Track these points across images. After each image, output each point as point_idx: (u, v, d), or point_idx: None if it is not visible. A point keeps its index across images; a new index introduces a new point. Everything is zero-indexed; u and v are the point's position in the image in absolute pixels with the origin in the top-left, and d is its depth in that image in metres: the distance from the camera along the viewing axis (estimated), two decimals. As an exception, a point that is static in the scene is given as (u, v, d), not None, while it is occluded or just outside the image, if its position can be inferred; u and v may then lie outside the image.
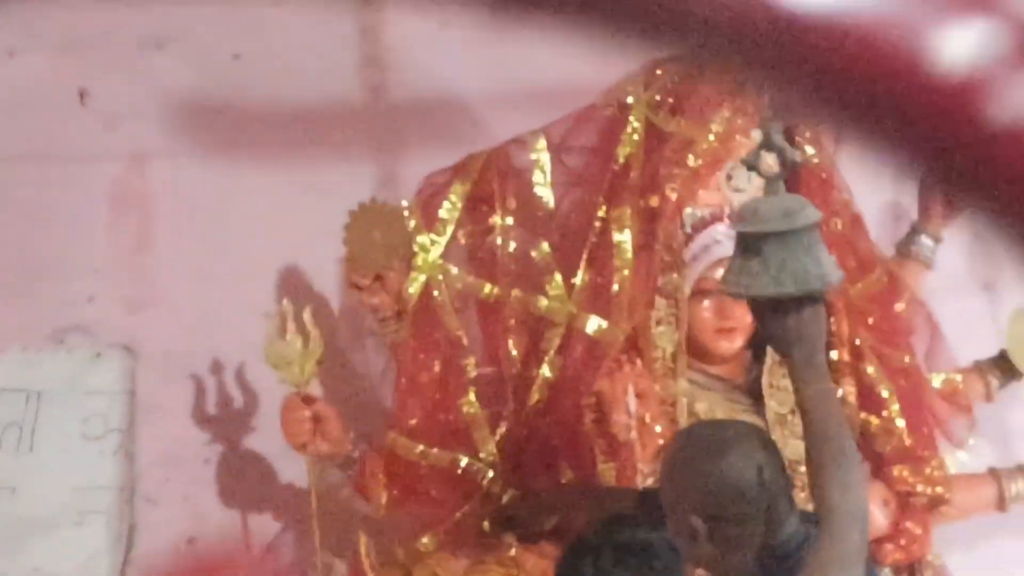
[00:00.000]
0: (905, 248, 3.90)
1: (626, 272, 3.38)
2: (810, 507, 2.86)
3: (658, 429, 3.27)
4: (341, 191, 3.81)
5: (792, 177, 3.01)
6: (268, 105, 3.92)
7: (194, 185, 3.93)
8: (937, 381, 3.70)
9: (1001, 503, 3.73)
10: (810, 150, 3.42)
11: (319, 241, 3.83)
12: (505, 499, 3.41)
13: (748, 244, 2.62)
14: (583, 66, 3.76)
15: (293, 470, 3.83)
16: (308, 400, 3.50)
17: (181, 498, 3.88)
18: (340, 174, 3.88)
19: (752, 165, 2.71)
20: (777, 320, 2.62)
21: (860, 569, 2.60)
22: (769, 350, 3.43)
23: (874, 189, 4.04)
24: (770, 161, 2.71)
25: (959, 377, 3.74)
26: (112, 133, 3.92)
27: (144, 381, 3.89)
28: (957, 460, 3.69)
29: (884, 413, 3.45)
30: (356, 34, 3.88)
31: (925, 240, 3.89)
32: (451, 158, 3.61)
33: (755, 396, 3.46)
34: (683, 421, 3.34)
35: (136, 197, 3.95)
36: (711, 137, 3.37)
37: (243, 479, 3.90)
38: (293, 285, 3.90)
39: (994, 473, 3.76)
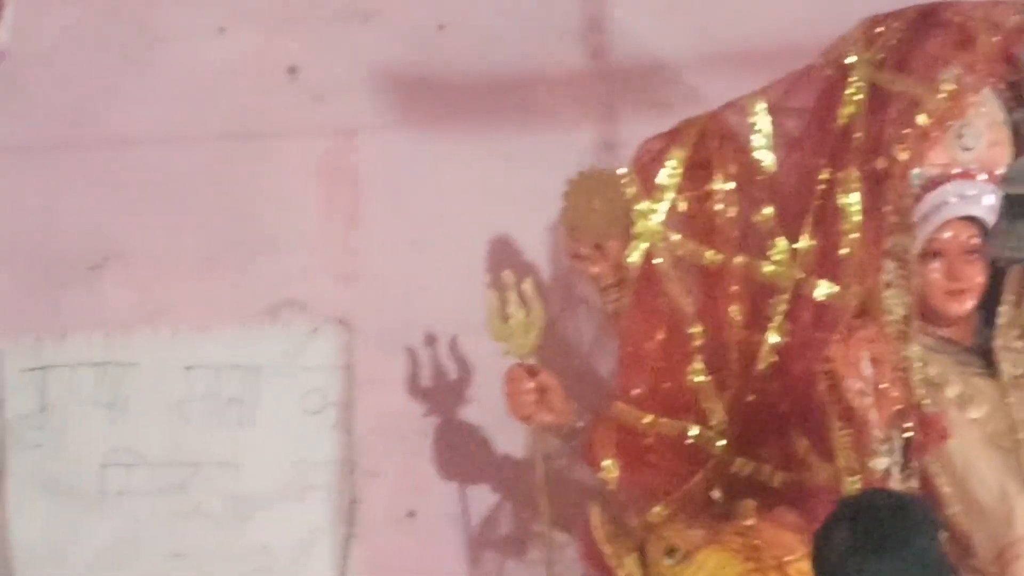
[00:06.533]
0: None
1: (854, 235, 3.31)
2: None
3: (893, 394, 3.20)
4: (551, 159, 3.79)
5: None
6: (474, 74, 3.90)
7: (403, 157, 3.93)
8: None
9: None
10: None
11: (528, 210, 3.82)
12: (736, 468, 3.38)
13: (1015, 206, 2.54)
14: (799, 26, 3.75)
15: (509, 441, 3.83)
16: (532, 371, 3.48)
17: (401, 471, 3.89)
18: (551, 141, 3.86)
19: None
20: None
21: None
22: (1001, 310, 3.37)
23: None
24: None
25: None
26: (321, 108, 3.93)
27: (360, 355, 3.90)
28: None
29: None
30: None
31: None
32: (667, 123, 3.56)
33: (986, 358, 3.39)
34: (917, 386, 3.28)
35: (346, 171, 3.95)
36: (940, 95, 3.29)
37: (461, 451, 3.89)
38: (503, 255, 3.88)
39: None
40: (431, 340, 3.90)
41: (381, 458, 3.90)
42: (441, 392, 3.91)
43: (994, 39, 3.31)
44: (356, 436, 3.90)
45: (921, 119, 3.29)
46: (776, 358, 3.36)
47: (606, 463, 3.40)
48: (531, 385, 3.46)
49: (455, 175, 3.92)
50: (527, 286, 3.50)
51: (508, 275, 3.52)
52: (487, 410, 3.80)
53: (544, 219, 3.78)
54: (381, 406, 3.89)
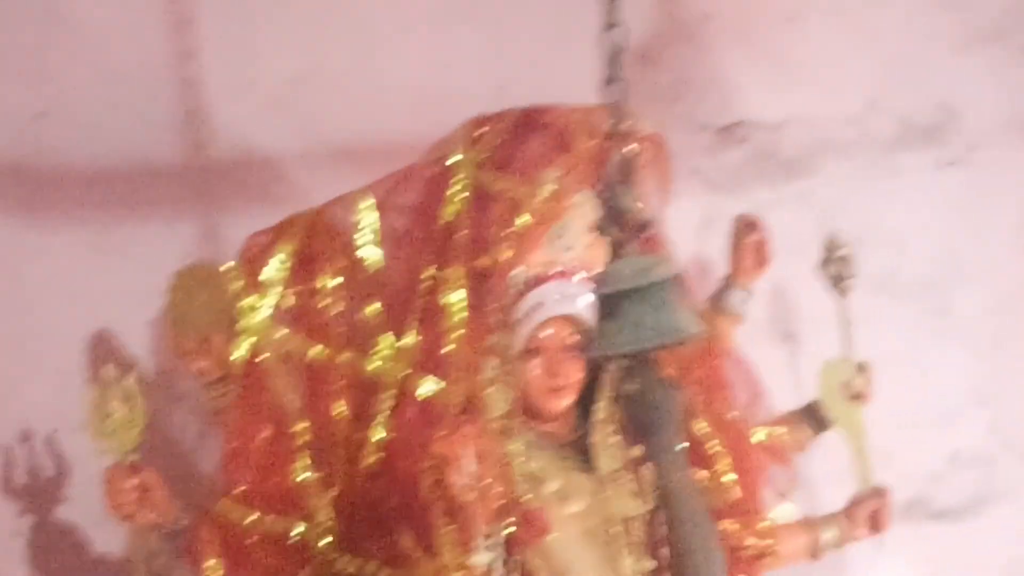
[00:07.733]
0: (718, 302, 3.96)
1: (458, 333, 3.35)
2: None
3: (496, 490, 3.24)
4: (153, 252, 3.74)
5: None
6: (77, 164, 3.81)
7: (-1, 248, 3.81)
8: (763, 434, 3.76)
9: (815, 552, 3.80)
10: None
11: (129, 303, 3.74)
12: (340, 565, 3.36)
13: (606, 306, 2.63)
14: (404, 124, 3.80)
15: (108, 541, 3.72)
16: (133, 469, 3.39)
17: (-9, 574, 3.74)
18: (153, 234, 3.80)
19: (601, 229, 2.72)
20: (635, 404, 2.62)
21: None
22: (598, 406, 3.46)
23: (678, 243, 4.10)
24: (618, 224, 2.72)
25: (785, 430, 3.81)
26: (-91, 195, 3.78)
27: (-50, 454, 3.74)
28: (779, 511, 3.75)
29: (714, 469, 3.49)
30: (174, 89, 3.80)
31: (737, 293, 3.96)
32: (272, 217, 3.55)
33: (585, 453, 3.47)
34: (518, 481, 3.34)
35: (-65, 262, 3.80)
36: (540, 196, 3.38)
37: (57, 552, 3.77)
38: (104, 350, 3.79)
39: (808, 522, 3.82)
40: (27, 438, 3.77)
41: (-30, 561, 3.75)
42: (37, 492, 3.78)
43: (591, 143, 3.42)
44: (-55, 538, 3.74)
45: (522, 219, 3.37)
46: (382, 454, 3.37)
47: (210, 563, 3.34)
48: (132, 483, 3.36)
49: (54, 268, 3.81)
50: (129, 382, 3.42)
51: (109, 370, 3.43)
52: (86, 509, 3.69)
53: (146, 313, 3.71)
54: (-29, 507, 3.74)
